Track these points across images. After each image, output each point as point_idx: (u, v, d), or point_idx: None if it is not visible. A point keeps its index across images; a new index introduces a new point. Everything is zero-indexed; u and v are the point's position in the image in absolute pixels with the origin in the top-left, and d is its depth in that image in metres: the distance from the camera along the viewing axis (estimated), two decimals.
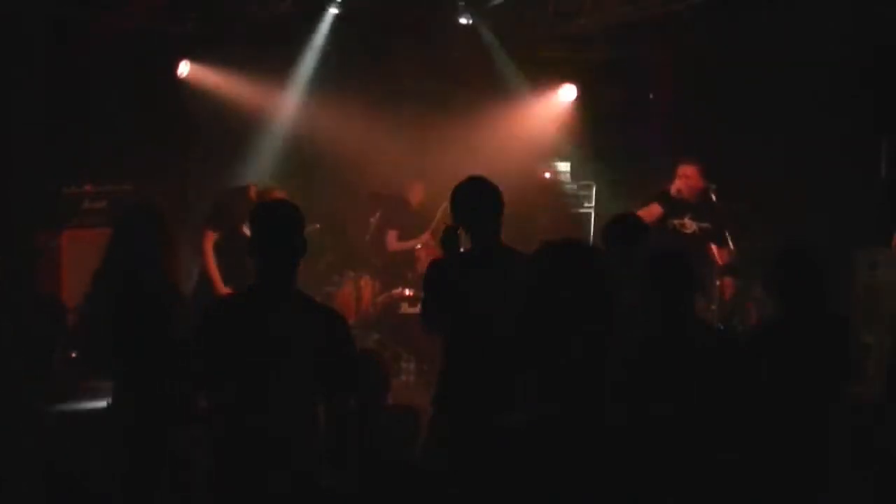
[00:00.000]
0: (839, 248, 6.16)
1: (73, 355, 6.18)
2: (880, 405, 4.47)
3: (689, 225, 6.70)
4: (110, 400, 3.80)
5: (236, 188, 6.85)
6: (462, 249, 4.05)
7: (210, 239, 6.39)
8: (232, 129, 8.21)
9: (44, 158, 7.29)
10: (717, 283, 6.99)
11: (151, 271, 3.75)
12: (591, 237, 8.13)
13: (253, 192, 6.59)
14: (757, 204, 6.89)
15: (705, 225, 6.72)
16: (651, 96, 8.16)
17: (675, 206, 6.69)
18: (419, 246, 8.14)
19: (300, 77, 8.62)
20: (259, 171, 8.16)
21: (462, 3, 8.30)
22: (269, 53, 8.32)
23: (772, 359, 3.80)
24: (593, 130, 8.83)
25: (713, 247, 6.73)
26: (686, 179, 6.70)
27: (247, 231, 6.35)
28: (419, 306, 7.40)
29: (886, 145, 6.63)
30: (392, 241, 8.24)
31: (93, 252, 4.47)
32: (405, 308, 7.82)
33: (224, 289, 6.27)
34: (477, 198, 3.89)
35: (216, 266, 6.36)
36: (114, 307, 3.73)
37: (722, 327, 6.07)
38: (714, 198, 6.86)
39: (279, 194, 6.56)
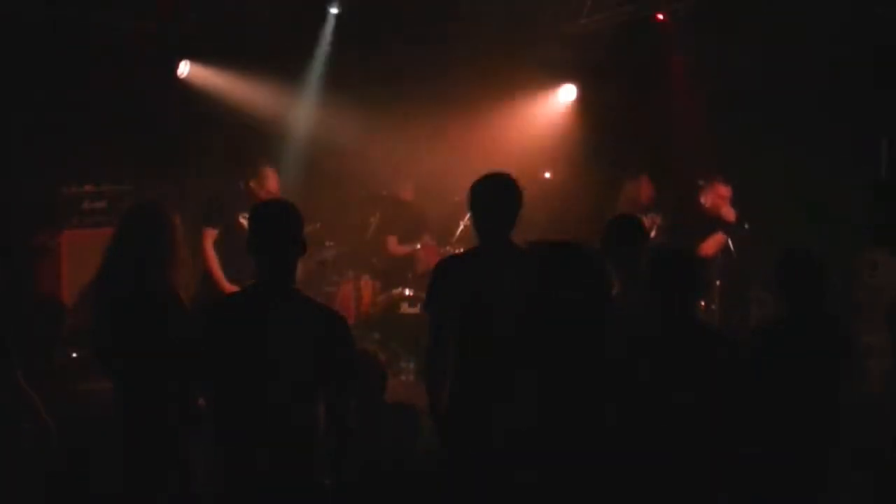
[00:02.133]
0: (839, 248, 6.16)
1: (74, 355, 6.19)
2: (880, 405, 4.47)
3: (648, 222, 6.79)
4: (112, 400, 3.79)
5: (228, 181, 6.86)
6: (463, 250, 4.03)
7: (210, 237, 6.38)
8: (231, 129, 8.21)
9: (44, 158, 7.31)
10: (717, 282, 7.01)
11: (153, 271, 3.74)
12: (591, 238, 8.12)
13: (243, 183, 6.61)
14: (757, 204, 6.89)
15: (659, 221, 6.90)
16: (651, 96, 8.16)
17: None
18: (419, 246, 8.14)
19: (300, 77, 8.62)
20: (258, 171, 8.16)
21: (461, 3, 8.30)
22: (269, 53, 8.31)
23: (772, 359, 3.80)
24: (593, 130, 8.83)
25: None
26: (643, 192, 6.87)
27: (244, 222, 6.41)
28: (419, 307, 7.45)
29: (886, 145, 6.63)
30: (392, 245, 8.23)
31: (93, 252, 4.45)
32: (405, 308, 7.82)
33: (229, 286, 6.26)
34: (491, 195, 3.86)
35: (219, 263, 6.36)
36: (115, 306, 3.73)
37: (721, 328, 6.07)
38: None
39: (270, 173, 6.61)
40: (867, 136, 6.70)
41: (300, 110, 8.67)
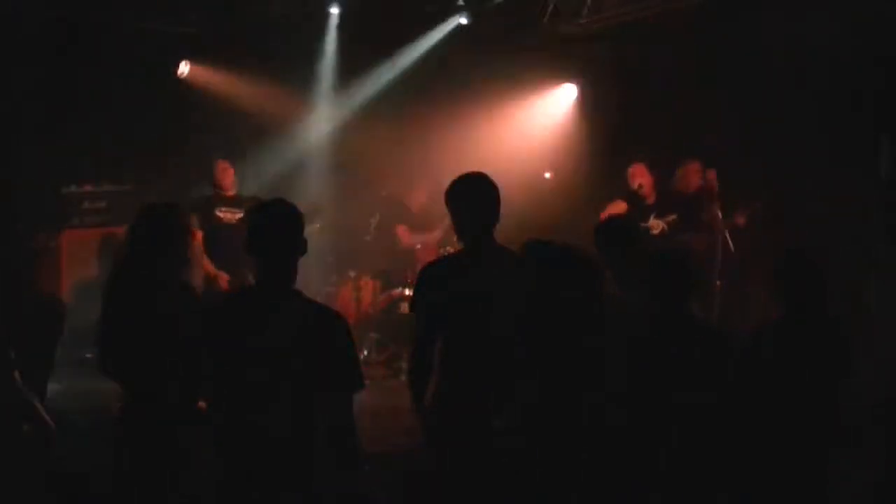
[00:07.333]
0: (839, 248, 6.15)
1: (88, 355, 6.21)
2: (880, 405, 4.47)
3: (656, 225, 6.84)
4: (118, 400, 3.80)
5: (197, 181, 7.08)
6: (452, 250, 4.00)
7: (198, 234, 6.49)
8: (232, 129, 8.21)
9: (44, 158, 7.32)
10: (718, 282, 7.01)
11: (166, 271, 3.74)
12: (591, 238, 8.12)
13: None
14: (757, 204, 6.90)
15: (672, 218, 6.89)
16: (651, 96, 8.16)
17: (639, 208, 6.94)
18: (418, 246, 8.14)
19: (300, 77, 8.62)
20: (258, 171, 8.16)
21: (462, 3, 8.30)
22: (269, 54, 8.32)
23: (772, 359, 3.80)
24: (593, 130, 8.83)
25: (689, 237, 6.89)
26: (636, 178, 6.96)
27: (220, 214, 6.62)
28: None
29: (886, 144, 6.62)
30: (403, 232, 8.22)
31: (93, 252, 4.46)
32: (405, 308, 7.82)
33: (219, 273, 6.54)
34: (467, 194, 3.82)
35: (210, 258, 6.58)
36: (121, 306, 3.73)
37: (721, 328, 6.07)
38: (714, 184, 6.92)
39: (222, 166, 6.85)
40: (867, 135, 6.69)
41: (300, 110, 8.67)
